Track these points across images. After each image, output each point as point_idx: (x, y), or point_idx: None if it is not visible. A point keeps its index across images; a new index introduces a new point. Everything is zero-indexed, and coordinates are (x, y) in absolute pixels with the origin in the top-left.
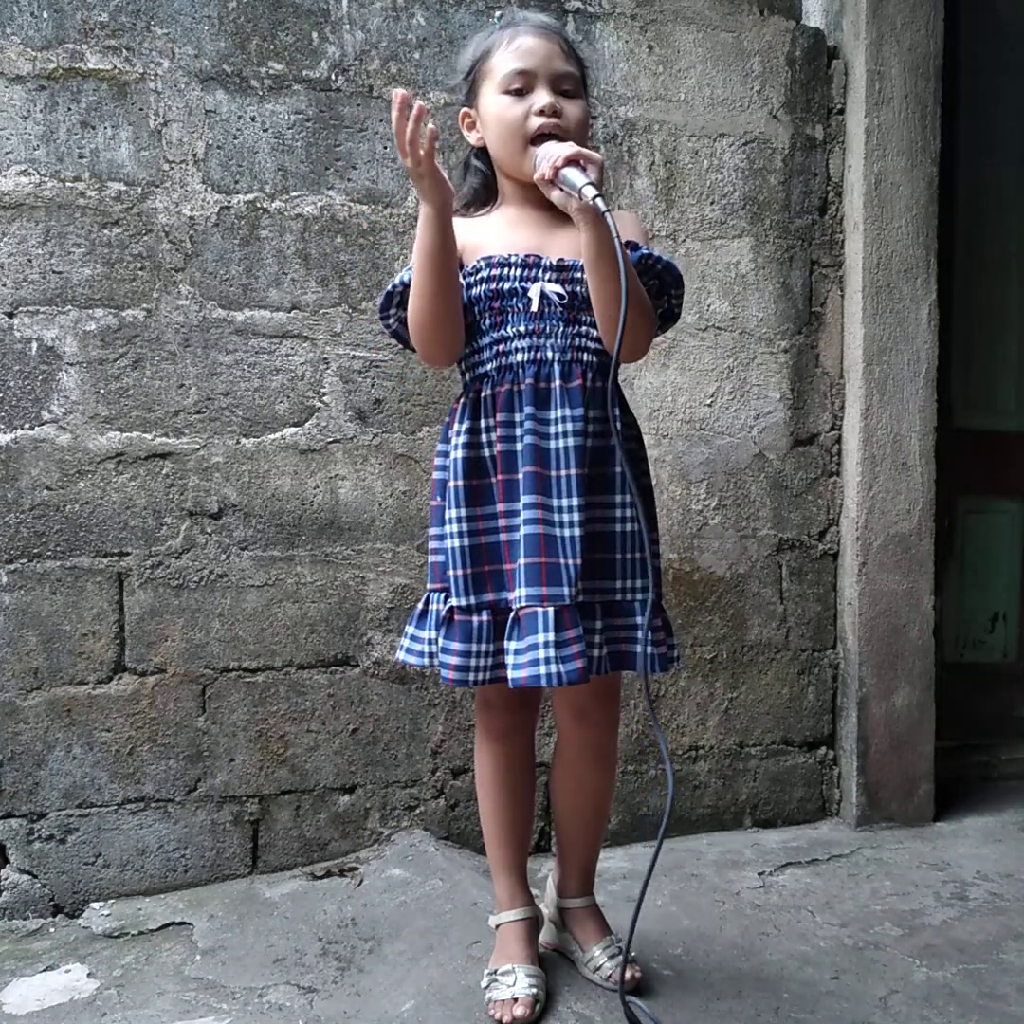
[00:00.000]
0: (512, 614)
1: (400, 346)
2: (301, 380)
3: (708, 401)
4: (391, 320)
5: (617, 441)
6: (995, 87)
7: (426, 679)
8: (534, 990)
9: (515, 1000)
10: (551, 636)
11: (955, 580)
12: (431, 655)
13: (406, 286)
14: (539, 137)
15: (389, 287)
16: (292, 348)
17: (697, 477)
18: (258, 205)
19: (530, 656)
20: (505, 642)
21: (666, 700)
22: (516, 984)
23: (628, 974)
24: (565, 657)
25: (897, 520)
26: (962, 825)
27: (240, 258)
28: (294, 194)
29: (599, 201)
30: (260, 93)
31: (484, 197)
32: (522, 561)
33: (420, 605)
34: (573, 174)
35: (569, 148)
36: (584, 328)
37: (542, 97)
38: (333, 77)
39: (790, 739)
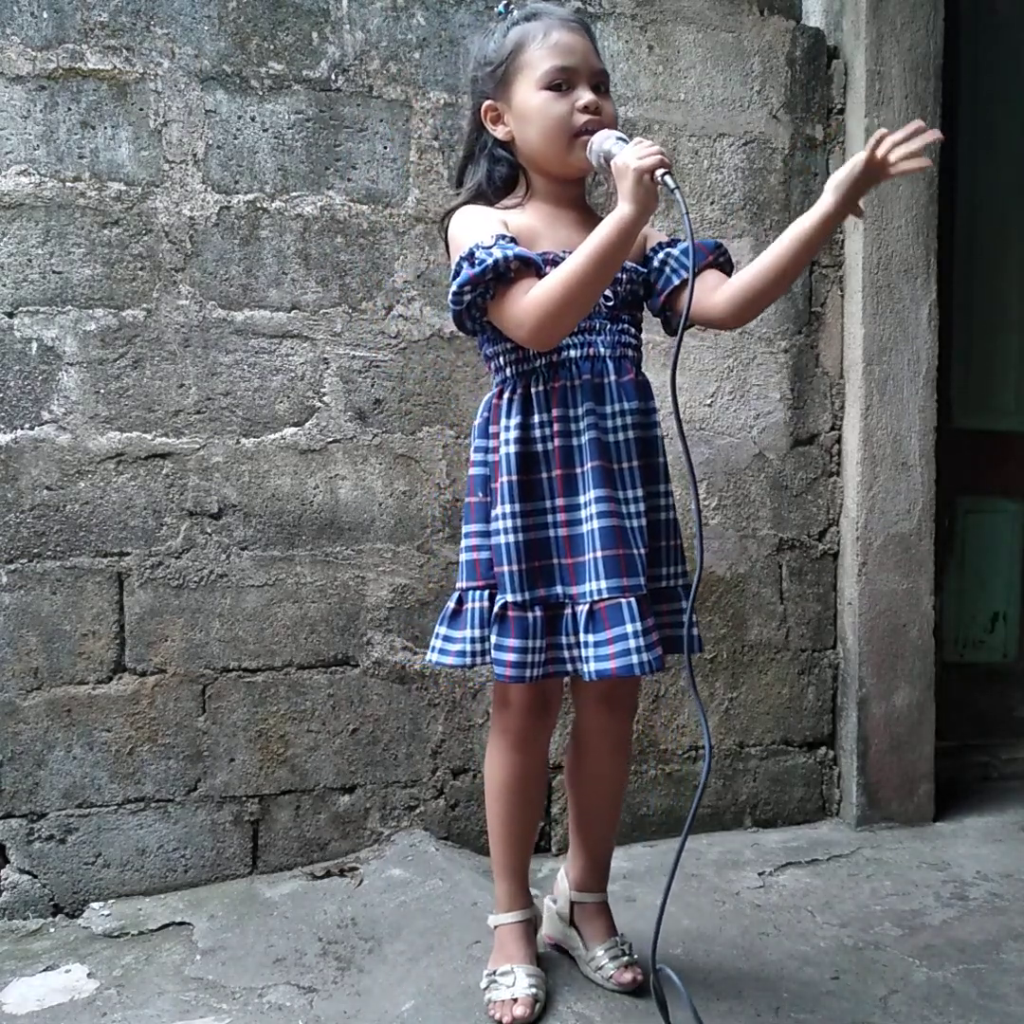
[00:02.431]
0: (586, 607)
1: (402, 345)
2: (301, 380)
3: (708, 401)
4: (466, 296)
5: (678, 426)
6: (995, 87)
7: (426, 679)
8: (534, 990)
9: (515, 1000)
10: (638, 626)
11: (955, 580)
12: (473, 654)
13: (485, 269)
14: (584, 132)
15: (479, 267)
16: (292, 348)
17: (697, 477)
18: (258, 205)
19: (619, 646)
20: (581, 635)
21: (666, 700)
22: (516, 984)
23: (630, 976)
24: (648, 645)
25: (897, 520)
26: (962, 825)
27: (240, 258)
28: (294, 194)
29: (678, 194)
30: (260, 93)
31: (509, 186)
32: (599, 553)
33: (451, 605)
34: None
35: (656, 152)
36: (625, 325)
37: (585, 94)
38: (333, 77)
39: (790, 739)
